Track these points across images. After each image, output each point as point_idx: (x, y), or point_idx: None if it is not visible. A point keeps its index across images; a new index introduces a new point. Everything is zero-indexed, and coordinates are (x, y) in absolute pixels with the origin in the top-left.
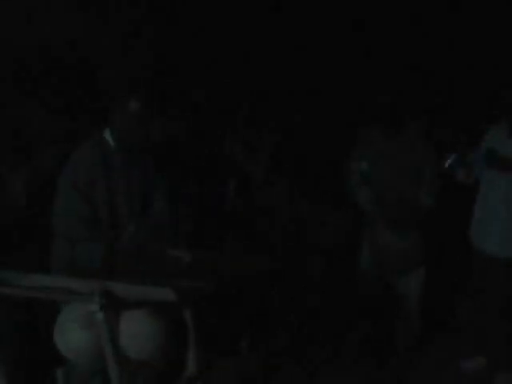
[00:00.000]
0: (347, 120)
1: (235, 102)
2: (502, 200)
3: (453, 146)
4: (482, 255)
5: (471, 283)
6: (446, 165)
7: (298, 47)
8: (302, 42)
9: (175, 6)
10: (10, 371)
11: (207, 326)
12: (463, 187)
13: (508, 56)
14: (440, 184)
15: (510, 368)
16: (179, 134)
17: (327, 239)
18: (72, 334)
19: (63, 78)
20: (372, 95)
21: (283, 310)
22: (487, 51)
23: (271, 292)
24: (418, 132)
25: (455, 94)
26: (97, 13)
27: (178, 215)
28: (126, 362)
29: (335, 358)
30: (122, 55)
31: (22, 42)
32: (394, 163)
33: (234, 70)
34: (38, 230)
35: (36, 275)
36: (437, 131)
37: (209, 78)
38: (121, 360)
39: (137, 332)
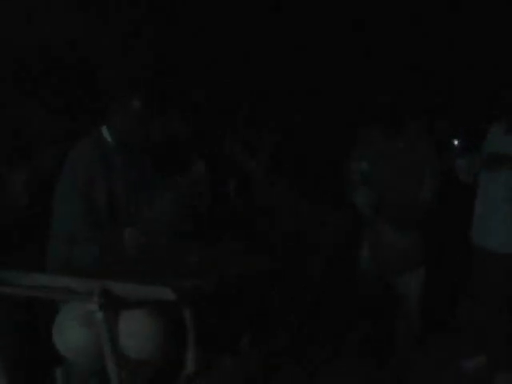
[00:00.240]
0: (347, 120)
1: (235, 102)
2: (503, 195)
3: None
4: (483, 252)
5: (471, 282)
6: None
7: (298, 47)
8: (302, 42)
9: (175, 6)
10: (10, 371)
11: (207, 325)
12: (464, 186)
13: (508, 56)
14: (440, 183)
15: (510, 367)
16: (179, 133)
17: (327, 239)
18: (71, 334)
19: (63, 77)
20: (372, 95)
21: (283, 310)
22: (487, 51)
23: (271, 292)
24: (419, 131)
25: (455, 94)
26: (97, 13)
27: (177, 216)
28: (125, 362)
29: (335, 358)
30: (121, 55)
31: (22, 41)
32: (395, 163)
33: (234, 70)
34: (38, 230)
35: (35, 274)
36: (437, 130)
37: (209, 77)
38: (120, 359)
39: (136, 331)
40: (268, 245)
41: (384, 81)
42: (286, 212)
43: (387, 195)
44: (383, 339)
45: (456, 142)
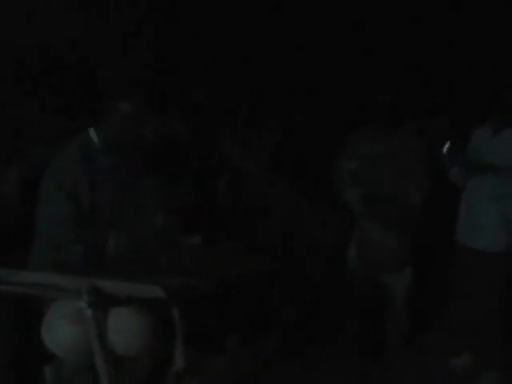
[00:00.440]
0: (347, 120)
1: (235, 102)
2: (491, 195)
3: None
4: (470, 252)
5: (458, 281)
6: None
7: (298, 47)
8: (302, 42)
9: (175, 6)
10: (1, 368)
11: (198, 323)
12: (449, 186)
13: (508, 56)
14: (430, 184)
15: (497, 366)
16: (178, 134)
17: (326, 239)
18: (60, 331)
19: (63, 77)
20: (372, 95)
21: (279, 309)
22: (487, 51)
23: (268, 291)
24: (410, 132)
25: (454, 94)
26: (97, 13)
27: (170, 219)
28: (114, 359)
29: (326, 357)
30: (121, 55)
31: (22, 41)
32: (384, 162)
33: (234, 70)
34: (28, 229)
35: (25, 272)
36: (431, 131)
37: (209, 77)
38: (109, 356)
39: (124, 328)
40: (266, 245)
41: (384, 81)
42: (285, 212)
43: (376, 194)
44: (372, 338)
45: (446, 146)
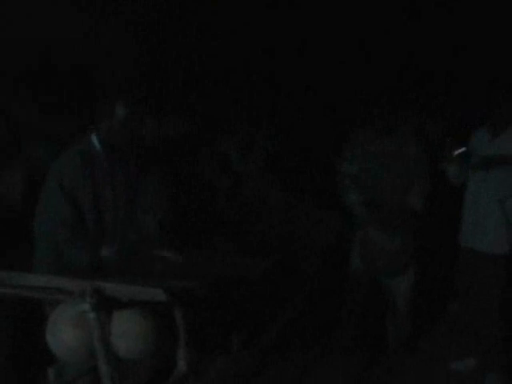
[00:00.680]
0: (341, 120)
1: (231, 103)
2: (494, 197)
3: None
4: (474, 254)
5: (461, 284)
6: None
7: (294, 47)
8: (298, 42)
9: (174, 7)
10: (3, 370)
11: (199, 324)
12: (452, 188)
13: (507, 56)
14: (431, 186)
15: (499, 369)
16: (175, 136)
17: (321, 240)
18: (64, 333)
19: (62, 77)
20: (370, 95)
21: (275, 309)
22: (486, 51)
23: (264, 292)
24: (410, 133)
25: (452, 94)
26: (96, 13)
27: (166, 222)
28: (117, 362)
29: (326, 358)
30: (119, 56)
31: (21, 41)
32: (385, 164)
33: (230, 69)
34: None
35: (28, 275)
36: (430, 132)
37: (204, 77)
38: (111, 359)
39: (127, 331)
40: (261, 246)
41: (380, 80)
42: (280, 212)
43: (376, 197)
44: (373, 340)
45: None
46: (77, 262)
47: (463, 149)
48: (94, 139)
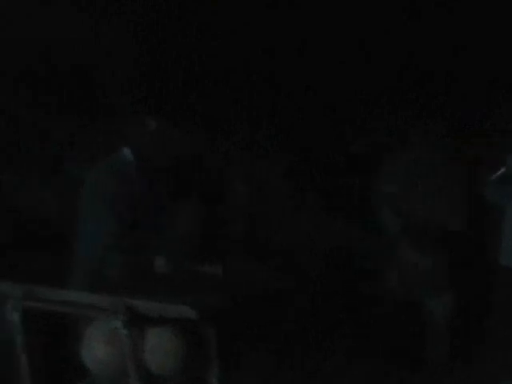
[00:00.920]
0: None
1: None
2: None
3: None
4: None
5: (502, 304)
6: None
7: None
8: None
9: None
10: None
11: (231, 342)
12: (491, 206)
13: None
14: (469, 205)
15: None
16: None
17: (364, 262)
18: (97, 349)
19: (63, 78)
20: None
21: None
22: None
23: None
24: (448, 153)
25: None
26: (96, 13)
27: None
28: (149, 378)
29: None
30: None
31: (21, 41)
32: (422, 183)
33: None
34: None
35: (64, 291)
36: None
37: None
38: (143, 375)
39: (157, 347)
40: (288, 262)
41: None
42: (310, 229)
43: (414, 216)
44: (411, 360)
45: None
46: (116, 275)
47: (503, 170)
48: (127, 152)
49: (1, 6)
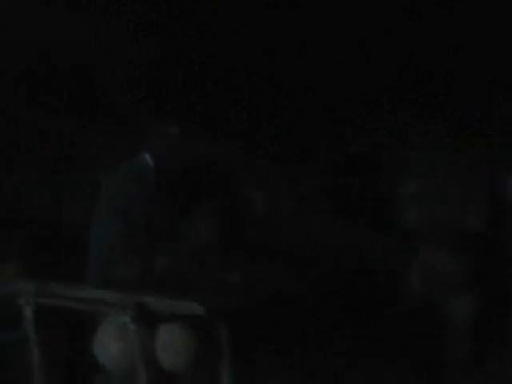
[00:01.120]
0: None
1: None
2: None
3: None
4: None
5: None
6: None
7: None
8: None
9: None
10: (54, 376)
11: (247, 340)
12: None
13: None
14: (491, 207)
15: None
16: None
17: (385, 265)
18: (109, 345)
19: (63, 77)
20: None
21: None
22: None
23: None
24: (468, 154)
25: None
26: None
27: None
28: (159, 373)
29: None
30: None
31: (21, 41)
32: (444, 185)
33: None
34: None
35: (77, 287)
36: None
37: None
38: (151, 370)
39: (169, 344)
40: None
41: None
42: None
43: (435, 217)
44: (432, 361)
45: None
46: (128, 275)
47: None
48: (147, 157)
49: (1, 6)
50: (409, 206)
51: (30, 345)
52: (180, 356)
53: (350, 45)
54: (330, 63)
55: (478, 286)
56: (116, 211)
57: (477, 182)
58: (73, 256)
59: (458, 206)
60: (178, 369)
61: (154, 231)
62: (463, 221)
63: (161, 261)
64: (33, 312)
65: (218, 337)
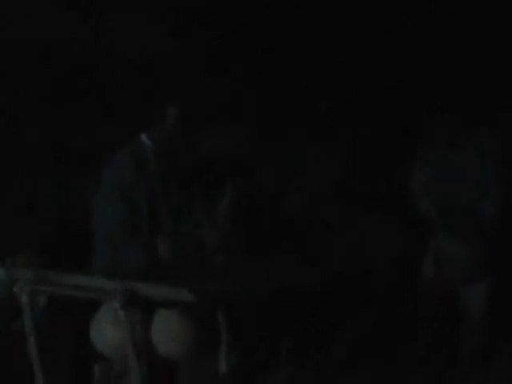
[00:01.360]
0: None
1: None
2: None
3: None
4: None
5: None
6: None
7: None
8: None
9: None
10: (56, 366)
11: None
12: None
13: None
14: (506, 193)
15: None
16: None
17: (397, 252)
18: (105, 332)
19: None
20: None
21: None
22: None
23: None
24: (487, 140)
25: None
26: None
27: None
28: (150, 359)
29: (396, 369)
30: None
31: (22, 40)
32: (458, 170)
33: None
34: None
35: (71, 274)
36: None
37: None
38: (142, 356)
39: (165, 331)
40: (323, 258)
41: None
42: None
43: (450, 206)
44: (446, 349)
45: None
46: (132, 262)
47: None
48: (145, 138)
49: (1, 6)
50: (424, 191)
51: (26, 333)
52: (178, 343)
53: None
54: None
55: (491, 273)
56: (117, 199)
57: (491, 169)
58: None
59: (472, 193)
60: (175, 356)
61: (156, 218)
62: (477, 208)
63: (164, 248)
64: (28, 299)
65: (217, 325)
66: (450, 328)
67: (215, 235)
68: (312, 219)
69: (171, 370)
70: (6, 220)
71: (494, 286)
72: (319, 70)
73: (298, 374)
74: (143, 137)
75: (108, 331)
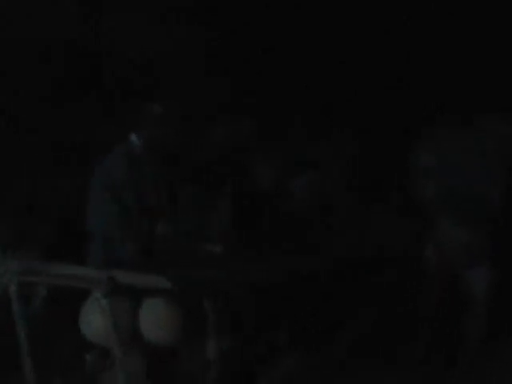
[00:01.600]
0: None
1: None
2: None
3: None
4: None
5: None
6: None
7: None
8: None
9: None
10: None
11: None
12: None
13: None
14: (508, 179)
15: None
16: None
17: (398, 240)
18: (94, 320)
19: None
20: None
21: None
22: None
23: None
24: (488, 125)
25: None
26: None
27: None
28: (131, 345)
29: (396, 363)
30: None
31: (23, 40)
32: (461, 157)
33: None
34: None
35: (59, 264)
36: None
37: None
38: (123, 342)
39: (153, 318)
40: (324, 247)
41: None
42: (348, 214)
43: (452, 191)
44: (450, 336)
45: None
46: (126, 256)
47: None
48: (134, 137)
49: (1, 6)
50: (425, 179)
51: (16, 322)
52: (164, 330)
53: None
54: None
55: (494, 259)
56: (110, 199)
57: (494, 155)
58: None
59: (475, 179)
60: (164, 343)
61: (149, 215)
62: (480, 193)
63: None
64: (16, 289)
65: (204, 312)
66: (453, 314)
67: (215, 234)
68: (312, 219)
69: (167, 358)
70: (5, 220)
71: (497, 271)
72: (319, 69)
73: (297, 368)
74: (133, 136)
75: (95, 320)
